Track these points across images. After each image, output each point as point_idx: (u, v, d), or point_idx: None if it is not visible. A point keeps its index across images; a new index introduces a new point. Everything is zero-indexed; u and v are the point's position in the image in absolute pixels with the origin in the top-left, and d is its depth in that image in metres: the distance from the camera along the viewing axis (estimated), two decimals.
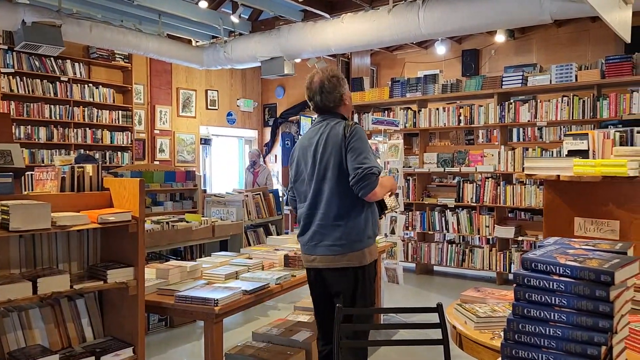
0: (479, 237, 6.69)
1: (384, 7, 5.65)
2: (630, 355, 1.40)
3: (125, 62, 8.45)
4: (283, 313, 4.56)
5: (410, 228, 6.79)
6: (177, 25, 7.15)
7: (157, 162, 8.91)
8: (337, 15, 6.26)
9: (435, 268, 6.93)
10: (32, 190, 2.67)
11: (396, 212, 4.77)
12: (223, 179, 10.67)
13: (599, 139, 2.60)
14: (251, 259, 3.44)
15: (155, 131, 9.14)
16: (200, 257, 4.84)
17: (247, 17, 7.39)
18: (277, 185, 10.03)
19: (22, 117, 7.18)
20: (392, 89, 7.02)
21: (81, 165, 2.62)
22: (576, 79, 5.72)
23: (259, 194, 5.66)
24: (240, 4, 6.26)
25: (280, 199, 6.11)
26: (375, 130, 6.65)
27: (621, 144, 2.61)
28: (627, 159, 2.34)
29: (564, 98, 5.80)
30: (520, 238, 6.06)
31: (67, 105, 7.68)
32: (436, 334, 2.09)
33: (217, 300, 2.49)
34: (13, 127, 7.09)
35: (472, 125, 6.51)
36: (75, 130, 7.77)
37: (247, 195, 5.42)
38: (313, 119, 10.15)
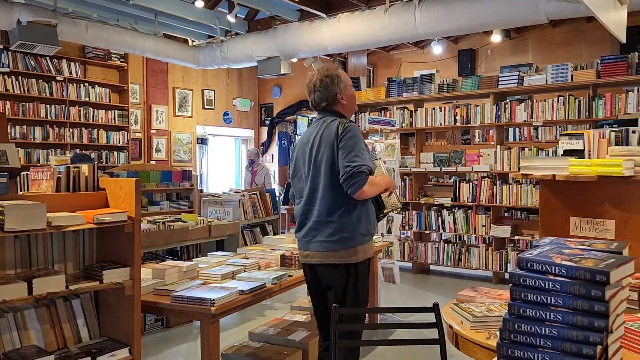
0: (475, 237, 6.71)
1: (380, 7, 5.65)
2: (626, 354, 1.40)
3: (121, 62, 8.43)
4: (280, 313, 4.56)
5: (406, 227, 6.80)
6: (173, 24, 7.14)
7: (154, 162, 8.89)
8: (333, 15, 6.25)
9: (432, 267, 6.94)
10: (28, 190, 2.66)
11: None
12: (220, 179, 10.65)
13: (594, 139, 2.60)
14: (248, 258, 3.44)
15: (152, 131, 9.12)
16: (197, 257, 4.82)
17: (243, 16, 7.38)
18: (274, 184, 10.02)
19: (17, 117, 7.16)
20: (389, 88, 7.03)
21: (77, 165, 2.61)
22: (572, 79, 5.74)
23: (256, 193, 5.65)
24: (236, 4, 6.25)
25: (277, 199, 6.11)
26: (372, 130, 6.65)
27: (616, 144, 2.62)
28: (622, 159, 2.35)
29: (560, 98, 5.82)
30: (516, 237, 6.08)
31: (63, 105, 7.65)
32: (432, 333, 2.10)
33: (213, 300, 2.49)
34: (8, 127, 7.06)
35: (469, 125, 6.52)
36: (71, 130, 7.74)
37: (243, 195, 5.42)
38: (310, 118, 10.16)
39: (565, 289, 1.10)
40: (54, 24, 5.67)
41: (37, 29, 5.56)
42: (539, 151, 6.01)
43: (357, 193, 2.44)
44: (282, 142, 10.79)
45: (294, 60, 7.16)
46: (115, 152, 8.34)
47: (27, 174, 2.73)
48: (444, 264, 6.59)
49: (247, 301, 2.72)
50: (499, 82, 6.18)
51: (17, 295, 2.15)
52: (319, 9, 6.44)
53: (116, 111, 8.36)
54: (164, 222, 4.38)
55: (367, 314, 3.64)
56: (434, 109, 6.67)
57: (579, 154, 2.60)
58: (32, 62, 7.31)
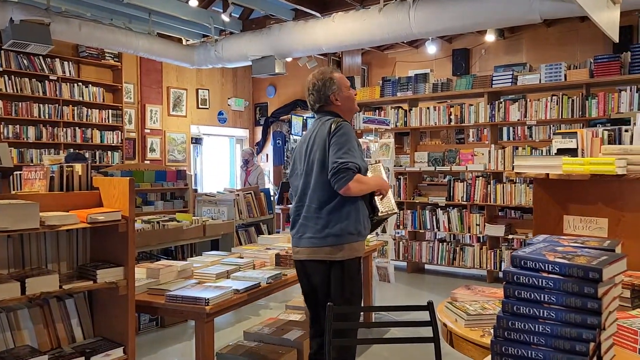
0: (470, 236, 6.72)
1: (374, 6, 5.66)
2: (618, 351, 1.41)
3: (115, 61, 8.39)
4: (274, 312, 4.56)
5: (401, 227, 6.81)
6: (167, 24, 7.12)
7: (148, 162, 8.86)
8: (328, 14, 6.26)
9: (426, 266, 6.95)
10: (21, 189, 2.64)
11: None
12: (214, 179, 10.64)
13: (587, 138, 2.62)
14: (242, 258, 3.43)
15: (146, 130, 9.09)
16: (191, 256, 4.81)
17: (237, 15, 7.37)
18: (268, 184, 10.01)
19: (10, 117, 7.11)
20: (383, 88, 7.04)
21: (70, 164, 2.60)
22: (565, 78, 5.76)
23: (250, 193, 5.64)
24: (231, 3, 6.24)
25: (272, 198, 6.10)
26: (367, 130, 6.66)
27: (609, 143, 2.63)
28: (615, 157, 2.36)
29: (553, 97, 5.84)
30: (510, 236, 6.10)
31: (57, 105, 7.61)
32: (427, 331, 2.10)
33: (208, 299, 2.48)
34: (1, 126, 7.04)
35: (463, 125, 6.54)
36: (64, 129, 7.70)
37: (238, 195, 5.41)
38: (304, 118, 10.16)
39: (558, 286, 1.10)
40: (47, 23, 5.64)
41: (30, 27, 5.52)
42: (533, 150, 6.05)
43: (343, 189, 2.46)
44: (277, 141, 10.78)
45: (289, 59, 7.16)
46: (109, 152, 8.31)
47: (20, 174, 2.72)
48: (439, 263, 6.61)
49: (241, 300, 2.71)
50: (493, 82, 6.20)
51: (10, 295, 2.13)
52: (314, 8, 6.44)
53: (110, 111, 8.32)
54: (158, 222, 4.37)
55: (362, 313, 3.65)
56: (428, 108, 6.69)
57: (572, 152, 2.61)
58: (25, 61, 7.27)
